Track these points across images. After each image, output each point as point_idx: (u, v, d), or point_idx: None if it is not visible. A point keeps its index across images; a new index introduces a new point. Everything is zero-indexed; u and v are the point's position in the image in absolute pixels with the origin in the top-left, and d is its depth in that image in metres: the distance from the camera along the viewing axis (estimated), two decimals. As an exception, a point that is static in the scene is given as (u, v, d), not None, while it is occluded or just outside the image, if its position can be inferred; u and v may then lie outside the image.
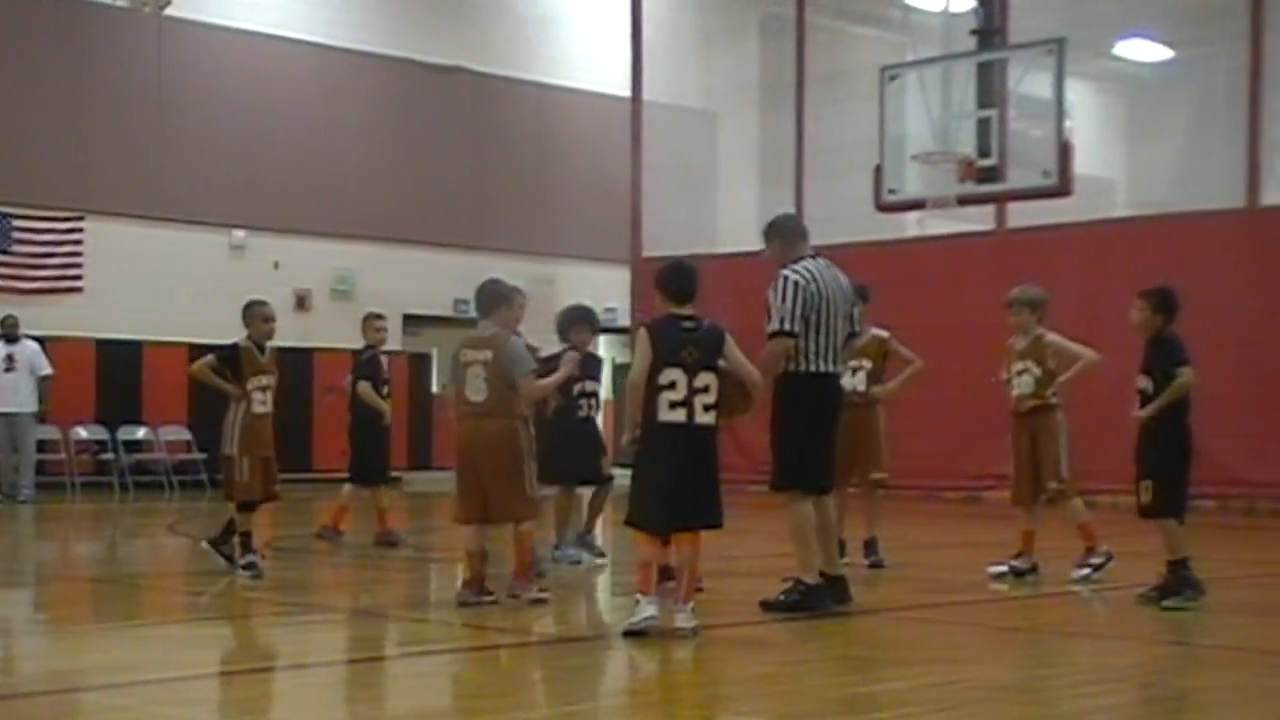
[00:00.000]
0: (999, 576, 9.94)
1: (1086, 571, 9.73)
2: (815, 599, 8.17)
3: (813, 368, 8.29)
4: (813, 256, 8.42)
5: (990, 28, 18.71)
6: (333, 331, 21.20)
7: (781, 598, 8.21)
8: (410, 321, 23.72)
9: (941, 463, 19.40)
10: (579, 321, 10.51)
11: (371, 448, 12.65)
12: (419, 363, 23.83)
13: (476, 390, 8.25)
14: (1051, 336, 9.88)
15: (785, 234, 8.58)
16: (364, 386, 12.48)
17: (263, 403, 10.02)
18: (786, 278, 8.25)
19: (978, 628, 8.02)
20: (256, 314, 10.13)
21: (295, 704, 6.11)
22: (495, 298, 8.50)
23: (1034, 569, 9.89)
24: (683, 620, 7.29)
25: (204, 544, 10.47)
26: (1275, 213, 18.20)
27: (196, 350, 21.21)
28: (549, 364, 9.48)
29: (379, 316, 12.81)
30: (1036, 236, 19.24)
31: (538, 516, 8.63)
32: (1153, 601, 8.48)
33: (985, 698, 5.96)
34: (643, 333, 7.59)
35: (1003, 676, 6.41)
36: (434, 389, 24.09)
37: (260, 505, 10.22)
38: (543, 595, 8.50)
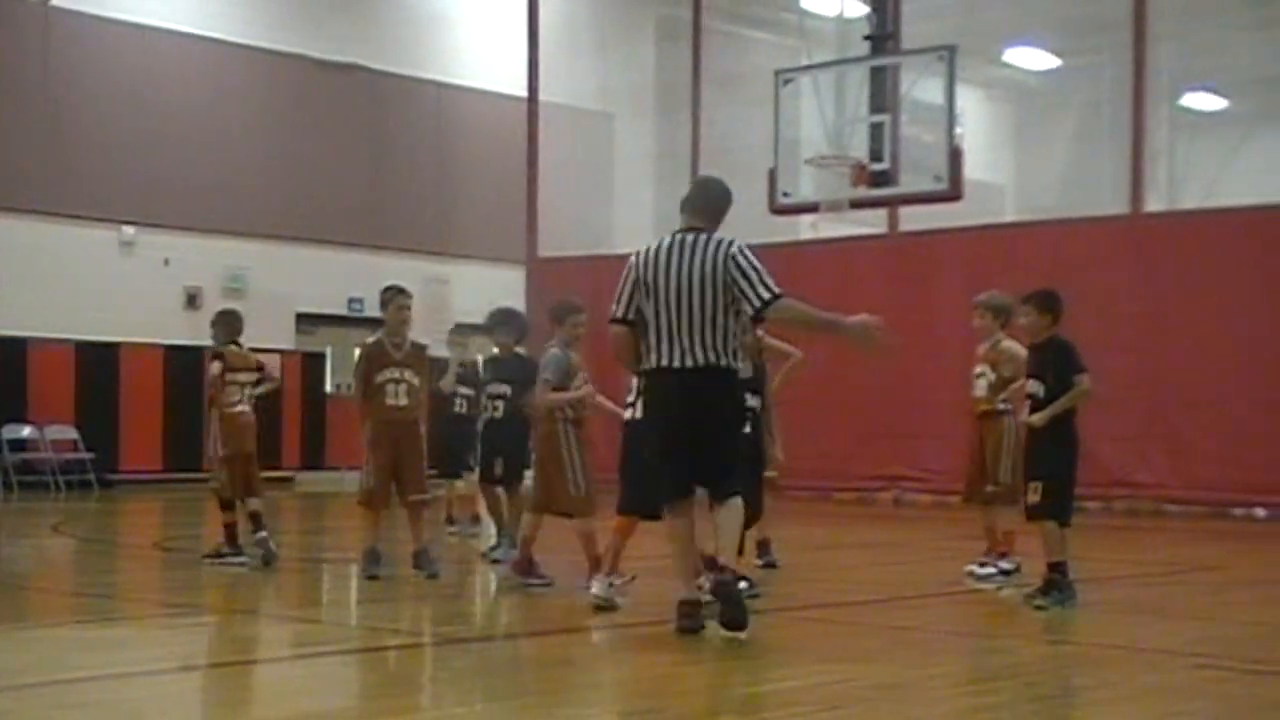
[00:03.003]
0: (985, 578, 9.95)
1: (991, 572, 9.90)
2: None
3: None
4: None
5: (883, 33, 18.87)
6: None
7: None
8: (303, 320, 23.51)
9: (834, 464, 19.60)
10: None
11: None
12: (313, 362, 23.61)
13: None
14: (1007, 343, 9.92)
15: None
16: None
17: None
18: (747, 248, 7.77)
19: (868, 627, 8.14)
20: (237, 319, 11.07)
21: (184, 706, 6.06)
22: (553, 315, 9.42)
23: (1017, 569, 9.96)
24: (596, 588, 8.30)
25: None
26: (1158, 219, 18.64)
27: (83, 348, 21.16)
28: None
29: None
30: (927, 240, 19.54)
31: (590, 513, 9.01)
32: (1029, 600, 8.65)
33: (873, 696, 6.05)
34: None
35: (891, 676, 6.50)
36: (328, 388, 23.88)
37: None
38: (619, 580, 8.82)
